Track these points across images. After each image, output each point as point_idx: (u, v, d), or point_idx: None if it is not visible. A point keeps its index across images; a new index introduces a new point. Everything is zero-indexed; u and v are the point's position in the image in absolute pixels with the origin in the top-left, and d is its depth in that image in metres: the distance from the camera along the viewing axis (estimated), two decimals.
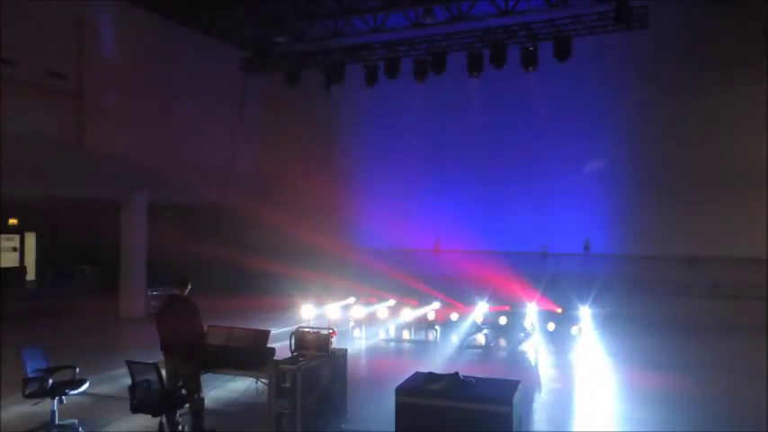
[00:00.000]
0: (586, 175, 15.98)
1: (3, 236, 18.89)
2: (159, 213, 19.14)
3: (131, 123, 15.49)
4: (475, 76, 14.32)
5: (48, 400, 6.79)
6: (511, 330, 13.06)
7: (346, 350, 7.18)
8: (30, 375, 6.82)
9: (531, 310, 12.83)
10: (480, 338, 13.06)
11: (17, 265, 18.78)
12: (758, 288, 13.99)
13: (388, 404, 6.21)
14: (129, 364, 6.43)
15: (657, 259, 15.13)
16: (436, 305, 13.92)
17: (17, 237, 19.69)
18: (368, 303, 14.79)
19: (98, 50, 14.75)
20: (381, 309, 15.06)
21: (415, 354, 12.38)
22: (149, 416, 6.25)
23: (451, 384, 6.11)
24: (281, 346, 7.12)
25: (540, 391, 8.97)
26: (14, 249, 19.62)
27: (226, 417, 7.47)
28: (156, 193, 16.02)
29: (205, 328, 7.02)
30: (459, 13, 16.06)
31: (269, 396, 6.28)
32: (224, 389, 7.82)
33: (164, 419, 6.33)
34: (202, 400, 6.76)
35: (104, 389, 8.37)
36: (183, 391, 6.51)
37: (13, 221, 19.06)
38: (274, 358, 6.94)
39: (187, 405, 6.63)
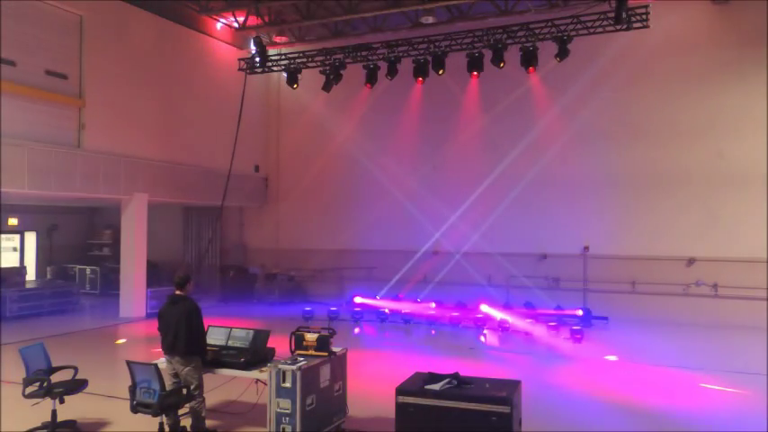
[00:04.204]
0: (586, 175, 15.96)
1: (3, 236, 18.88)
2: (159, 213, 19.17)
3: (131, 123, 15.50)
4: (475, 76, 14.31)
5: (48, 400, 6.79)
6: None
7: (346, 350, 7.18)
8: (30, 375, 6.83)
9: None
10: None
11: (17, 265, 18.76)
12: (758, 288, 14.02)
13: (388, 404, 6.22)
14: (129, 364, 6.44)
15: (657, 259, 15.13)
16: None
17: (17, 237, 19.69)
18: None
19: (98, 50, 14.76)
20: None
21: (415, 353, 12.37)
22: (149, 416, 6.24)
23: (451, 384, 6.12)
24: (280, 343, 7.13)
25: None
26: (14, 249, 19.62)
27: (226, 417, 7.47)
28: (156, 193, 16.01)
29: (206, 328, 7.03)
30: (460, 12, 16.09)
31: (269, 396, 6.28)
32: (224, 389, 7.82)
33: (164, 419, 6.34)
34: (203, 400, 6.76)
35: (104, 389, 8.37)
36: (183, 391, 6.52)
37: (12, 221, 19.06)
38: (274, 358, 6.95)
39: (187, 405, 6.63)
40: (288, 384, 6.16)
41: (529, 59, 13.25)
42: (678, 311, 14.68)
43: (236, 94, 16.33)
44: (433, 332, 13.82)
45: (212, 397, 7.59)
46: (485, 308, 14.34)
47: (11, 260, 19.02)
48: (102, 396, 8.20)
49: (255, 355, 6.86)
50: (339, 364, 6.94)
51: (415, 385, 6.18)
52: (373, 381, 8.98)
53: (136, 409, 6.34)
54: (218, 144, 17.54)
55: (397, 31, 16.63)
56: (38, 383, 6.81)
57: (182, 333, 6.58)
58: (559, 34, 12.87)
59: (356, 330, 14.08)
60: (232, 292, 18.56)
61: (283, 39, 18.68)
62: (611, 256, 15.54)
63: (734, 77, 14.67)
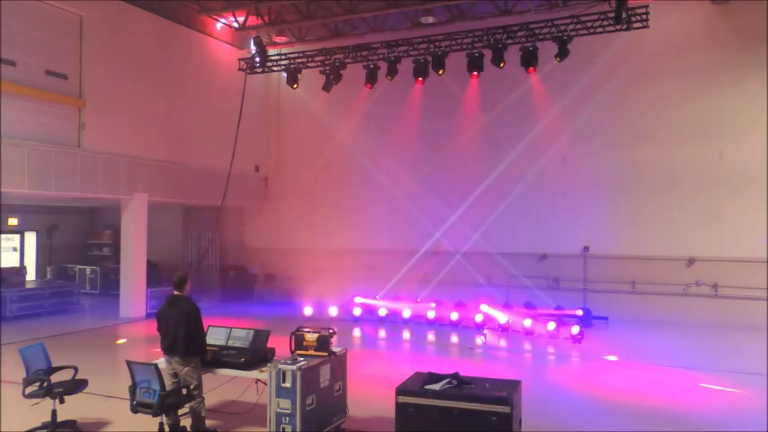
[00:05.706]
0: (586, 175, 15.96)
1: (3, 236, 18.89)
2: (160, 213, 19.16)
3: (131, 123, 15.50)
4: (475, 76, 14.31)
5: (48, 400, 6.79)
6: None
7: (346, 350, 7.18)
8: (30, 375, 6.82)
9: None
10: None
11: (17, 265, 18.77)
12: (758, 288, 14.02)
13: (388, 404, 6.22)
14: (129, 364, 6.44)
15: (657, 259, 15.13)
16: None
17: (17, 237, 19.70)
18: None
19: (98, 50, 14.77)
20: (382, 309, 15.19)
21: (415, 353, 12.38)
22: (149, 416, 6.24)
23: (451, 384, 6.12)
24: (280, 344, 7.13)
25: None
26: (14, 249, 19.63)
27: (226, 417, 7.47)
28: (156, 193, 16.01)
29: (205, 328, 7.02)
30: (460, 12, 16.09)
31: (269, 396, 6.28)
32: (224, 389, 7.82)
33: (164, 419, 6.34)
34: (202, 399, 6.76)
35: (104, 389, 8.37)
36: (183, 391, 6.52)
37: (13, 221, 19.06)
38: (274, 358, 6.95)
39: (187, 405, 6.63)
40: (288, 384, 6.16)
41: (529, 59, 13.24)
42: (678, 311, 14.67)
43: (236, 94, 16.34)
44: (433, 332, 13.82)
45: (212, 397, 7.60)
46: (485, 308, 14.33)
47: (11, 260, 19.03)
48: (102, 396, 8.20)
49: (255, 355, 6.86)
50: (339, 364, 6.94)
51: (415, 385, 6.18)
52: (373, 381, 8.99)
53: (136, 409, 6.34)
54: (218, 144, 17.53)
55: (396, 31, 16.63)
56: (38, 383, 6.81)
57: (181, 333, 6.57)
58: (559, 34, 12.87)
59: (357, 330, 14.08)
60: (232, 292, 18.56)
61: (283, 39, 18.68)
62: (611, 256, 15.54)
63: (734, 77, 14.66)
